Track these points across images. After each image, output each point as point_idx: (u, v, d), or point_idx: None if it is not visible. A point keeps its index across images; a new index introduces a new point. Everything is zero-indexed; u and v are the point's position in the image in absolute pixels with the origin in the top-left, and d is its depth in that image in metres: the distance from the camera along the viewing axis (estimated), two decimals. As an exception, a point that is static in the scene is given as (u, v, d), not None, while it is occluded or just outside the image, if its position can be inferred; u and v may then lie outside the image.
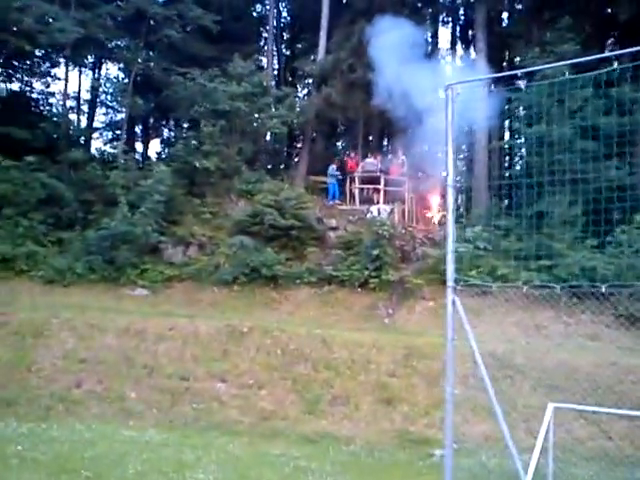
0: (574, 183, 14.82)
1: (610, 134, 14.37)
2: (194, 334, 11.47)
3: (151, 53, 20.69)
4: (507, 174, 19.97)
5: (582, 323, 13.19)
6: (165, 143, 28.61)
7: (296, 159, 23.60)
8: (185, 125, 23.01)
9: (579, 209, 14.39)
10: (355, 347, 11.05)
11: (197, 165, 17.28)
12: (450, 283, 6.04)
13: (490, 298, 14.82)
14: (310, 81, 28.62)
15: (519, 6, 18.48)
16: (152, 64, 20.09)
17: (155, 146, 29.04)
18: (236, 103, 17.65)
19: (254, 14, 27.16)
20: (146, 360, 10.73)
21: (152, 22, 18.89)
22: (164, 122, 29.79)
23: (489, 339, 12.58)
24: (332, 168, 19.16)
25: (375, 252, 14.88)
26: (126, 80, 21.43)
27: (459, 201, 18.24)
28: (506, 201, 17.10)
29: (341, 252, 15.73)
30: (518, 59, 18.38)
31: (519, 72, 6.78)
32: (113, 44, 20.63)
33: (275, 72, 26.54)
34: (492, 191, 17.83)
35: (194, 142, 18.40)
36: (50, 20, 16.92)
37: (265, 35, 26.41)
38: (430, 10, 21.46)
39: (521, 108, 18.65)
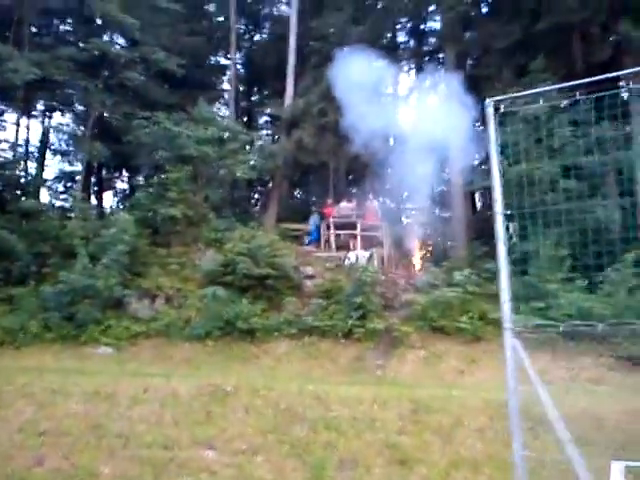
0: (559, 223, 14.54)
1: (592, 173, 14.21)
2: (172, 395, 10.15)
3: (109, 99, 19.60)
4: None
5: (584, 367, 12.58)
6: (120, 195, 27.52)
7: (259, 206, 22.82)
8: (144, 174, 21.95)
9: (566, 249, 14.08)
10: (354, 403, 9.97)
11: (162, 213, 16.22)
12: (507, 324, 5.20)
13: (484, 344, 14.18)
14: (265, 132, 28.37)
15: (489, 49, 18.57)
16: (112, 108, 19.09)
17: (108, 199, 27.92)
18: (203, 148, 16.82)
19: (214, 61, 26.78)
20: (119, 428, 9.30)
21: (113, 65, 18.01)
22: (117, 174, 28.85)
23: (490, 387, 11.81)
24: (314, 219, 18.36)
25: (358, 300, 14.05)
26: (82, 128, 20.27)
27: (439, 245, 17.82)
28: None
29: (321, 301, 14.83)
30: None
31: (568, 84, 6.13)
32: (70, 89, 19.49)
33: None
34: (474, 233, 17.43)
35: (154, 189, 17.33)
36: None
37: (224, 84, 26.11)
38: (397, 53, 21.51)
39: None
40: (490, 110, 5.57)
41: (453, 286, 14.28)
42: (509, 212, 5.85)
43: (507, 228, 5.65)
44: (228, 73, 26.09)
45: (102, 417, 9.54)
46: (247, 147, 19.10)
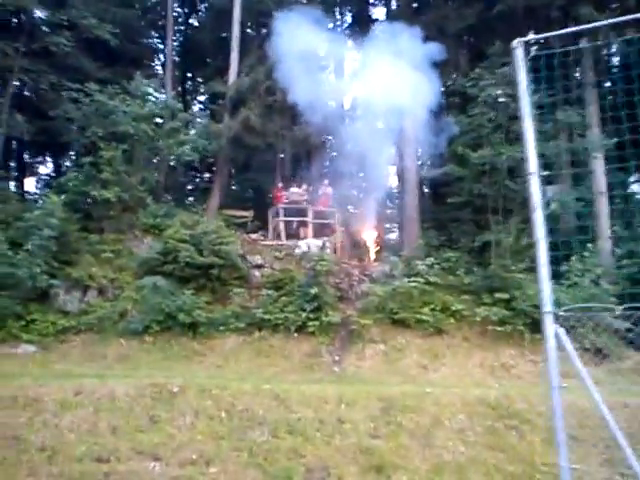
0: (522, 210, 13.97)
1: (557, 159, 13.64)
2: (109, 398, 8.77)
3: (31, 66, 17.23)
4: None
5: (550, 359, 12.02)
6: (44, 181, 25.40)
7: (199, 191, 21.32)
8: (72, 155, 19.99)
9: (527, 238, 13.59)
10: (318, 403, 8.92)
11: (94, 196, 14.56)
12: (548, 308, 4.27)
13: (447, 338, 13.41)
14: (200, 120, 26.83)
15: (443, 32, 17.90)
16: (36, 78, 16.96)
17: (31, 186, 25.63)
18: (140, 125, 15.24)
19: (148, 41, 25.02)
20: (44, 439, 7.86)
21: (34, 27, 15.91)
22: (41, 158, 26.68)
23: (460, 384, 11.02)
24: None
25: (312, 291, 12.99)
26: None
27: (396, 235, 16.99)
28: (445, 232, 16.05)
29: (271, 292, 13.70)
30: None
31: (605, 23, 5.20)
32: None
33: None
34: (428, 223, 16.71)
35: (85, 170, 15.55)
36: None
37: (159, 67, 24.50)
38: (346, 30, 20.63)
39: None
40: (519, 53, 4.61)
41: (412, 276, 13.46)
42: (547, 173, 4.90)
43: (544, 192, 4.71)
44: (162, 57, 24.47)
45: (22, 427, 8.06)
46: (188, 127, 17.60)
